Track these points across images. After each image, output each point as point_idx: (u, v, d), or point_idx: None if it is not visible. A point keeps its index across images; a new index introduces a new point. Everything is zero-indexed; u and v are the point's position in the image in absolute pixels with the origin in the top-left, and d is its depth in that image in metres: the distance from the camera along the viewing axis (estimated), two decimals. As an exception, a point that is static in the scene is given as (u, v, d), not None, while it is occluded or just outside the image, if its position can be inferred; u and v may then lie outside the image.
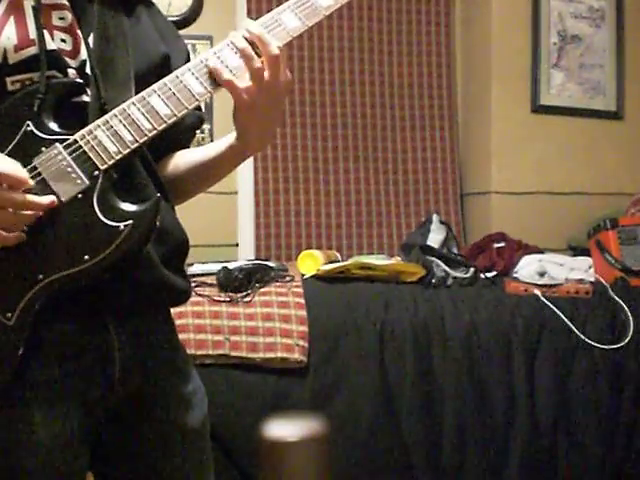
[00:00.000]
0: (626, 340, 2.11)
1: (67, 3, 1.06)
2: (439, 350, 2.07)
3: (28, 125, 0.99)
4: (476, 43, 3.17)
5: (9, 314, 0.97)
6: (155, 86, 1.02)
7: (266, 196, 3.00)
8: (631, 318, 2.13)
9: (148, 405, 1.12)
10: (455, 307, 2.13)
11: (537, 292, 2.19)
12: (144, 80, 1.05)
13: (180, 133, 1.21)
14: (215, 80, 1.03)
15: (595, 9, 3.19)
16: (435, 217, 2.54)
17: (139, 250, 1.01)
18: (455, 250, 2.49)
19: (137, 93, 1.03)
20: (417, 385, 2.04)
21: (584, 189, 3.16)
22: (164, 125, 1.01)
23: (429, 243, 2.41)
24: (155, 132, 1.01)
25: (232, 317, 1.99)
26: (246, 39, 1.03)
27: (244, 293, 2.05)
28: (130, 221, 0.98)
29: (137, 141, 1.00)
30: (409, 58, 3.16)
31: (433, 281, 2.21)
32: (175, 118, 1.01)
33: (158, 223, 1.00)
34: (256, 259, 2.58)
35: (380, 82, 3.14)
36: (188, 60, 1.10)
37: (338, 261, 2.43)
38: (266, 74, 1.01)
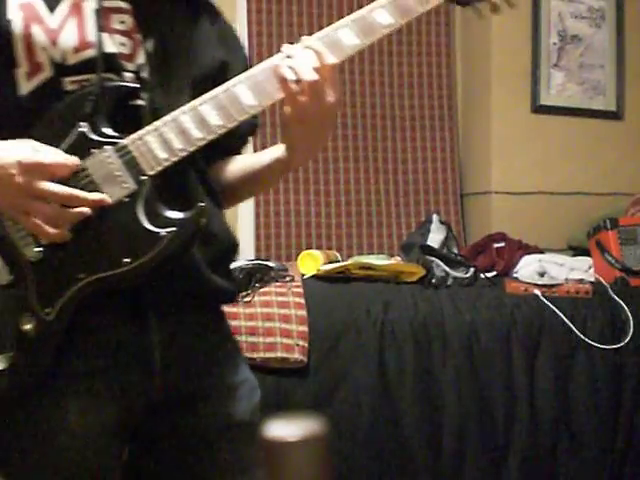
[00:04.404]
0: (626, 340, 2.11)
1: (129, 7, 1.07)
2: (439, 350, 2.07)
3: (81, 126, 1.00)
4: (476, 43, 3.17)
5: (49, 309, 0.99)
6: (207, 96, 1.02)
7: (266, 196, 2.99)
8: (631, 318, 2.13)
9: (191, 399, 1.13)
10: (455, 307, 2.13)
11: (537, 292, 2.19)
12: (201, 86, 1.06)
13: (233, 140, 1.21)
14: (266, 93, 1.03)
15: (595, 9, 3.19)
16: (435, 217, 2.54)
17: (180, 256, 1.02)
18: (455, 250, 2.49)
19: (193, 99, 1.03)
20: (417, 385, 2.04)
21: (584, 189, 3.16)
22: (213, 136, 1.02)
23: (429, 243, 2.41)
24: (204, 142, 1.01)
25: (232, 317, 1.99)
26: (300, 54, 1.02)
27: (244, 293, 2.05)
28: (172, 228, 0.99)
29: (186, 150, 1.01)
30: (409, 58, 3.15)
31: (433, 281, 2.21)
32: (225, 129, 1.02)
33: (202, 229, 1.01)
34: (256, 259, 2.58)
35: (380, 82, 3.14)
36: (246, 67, 1.09)
37: (338, 261, 2.43)
38: (319, 90, 1.01)
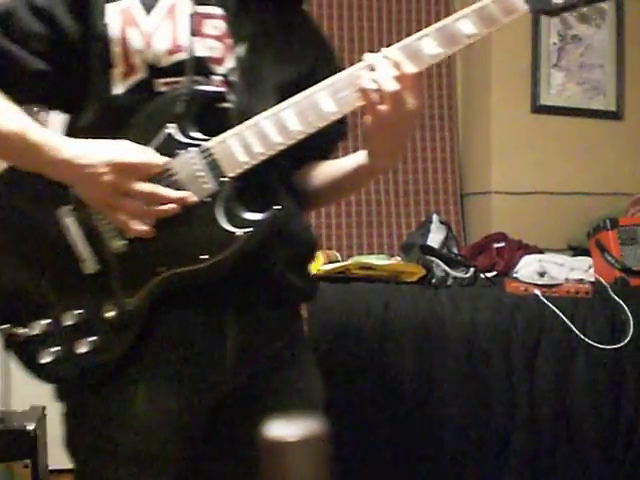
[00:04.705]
0: (626, 340, 2.11)
1: (222, 13, 1.11)
2: (439, 350, 2.06)
3: (169, 128, 1.05)
4: (476, 43, 3.16)
5: (130, 299, 1.05)
6: (289, 101, 1.06)
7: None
8: (631, 318, 2.13)
9: (258, 397, 1.15)
10: (455, 307, 2.13)
11: (537, 292, 2.19)
12: (288, 90, 1.09)
13: (322, 144, 1.24)
14: (346, 100, 1.05)
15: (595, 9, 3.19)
16: (435, 217, 2.54)
17: (255, 255, 1.05)
18: (455, 250, 2.48)
19: (279, 103, 1.06)
20: (417, 385, 2.04)
21: (584, 189, 3.16)
22: (293, 141, 1.05)
23: (429, 243, 2.40)
24: (284, 147, 1.05)
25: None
26: (381, 63, 1.04)
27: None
28: (248, 229, 1.03)
29: (265, 154, 1.05)
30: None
31: (433, 281, 2.21)
32: (304, 135, 1.05)
33: (276, 231, 1.06)
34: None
35: (380, 82, 3.14)
36: (336, 70, 1.10)
37: (338, 261, 2.43)
38: (399, 100, 1.02)
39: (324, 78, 1.07)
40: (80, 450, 1.12)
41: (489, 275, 2.35)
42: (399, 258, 2.53)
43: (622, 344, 2.10)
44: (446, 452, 2.03)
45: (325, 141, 1.23)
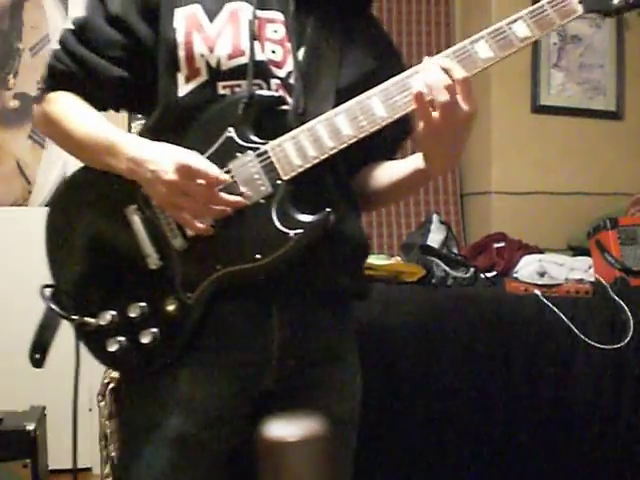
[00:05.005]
0: (626, 340, 2.11)
1: (282, 18, 1.16)
2: (439, 350, 2.06)
3: (230, 131, 1.10)
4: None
5: (189, 294, 1.11)
6: (343, 106, 1.09)
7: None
8: (631, 318, 2.13)
9: (300, 391, 1.19)
10: (455, 307, 2.13)
11: (537, 292, 2.18)
12: (348, 93, 1.12)
13: (382, 144, 1.26)
14: (398, 106, 1.08)
15: (595, 9, 3.19)
16: (435, 217, 2.54)
17: (306, 255, 1.09)
18: (455, 250, 2.48)
19: (337, 106, 1.10)
20: (417, 385, 2.03)
21: (584, 189, 3.16)
22: (344, 145, 1.08)
23: (429, 243, 2.40)
24: (335, 150, 1.08)
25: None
26: (433, 71, 1.05)
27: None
28: (300, 230, 1.08)
29: (318, 157, 1.09)
30: (409, 58, 3.15)
31: (433, 281, 2.21)
32: (355, 139, 1.08)
33: (327, 233, 1.09)
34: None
35: (380, 82, 3.14)
36: (399, 73, 1.12)
37: (338, 261, 2.43)
38: (451, 107, 1.04)
39: (387, 79, 1.10)
40: (128, 427, 1.22)
41: (489, 275, 2.35)
42: (399, 258, 2.53)
43: (622, 344, 2.10)
44: (446, 452, 2.03)
45: (390, 141, 1.27)
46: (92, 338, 1.17)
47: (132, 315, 1.13)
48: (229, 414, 1.15)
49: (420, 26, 3.14)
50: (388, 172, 1.28)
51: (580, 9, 1.06)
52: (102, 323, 1.14)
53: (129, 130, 2.72)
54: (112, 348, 1.13)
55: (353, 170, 1.27)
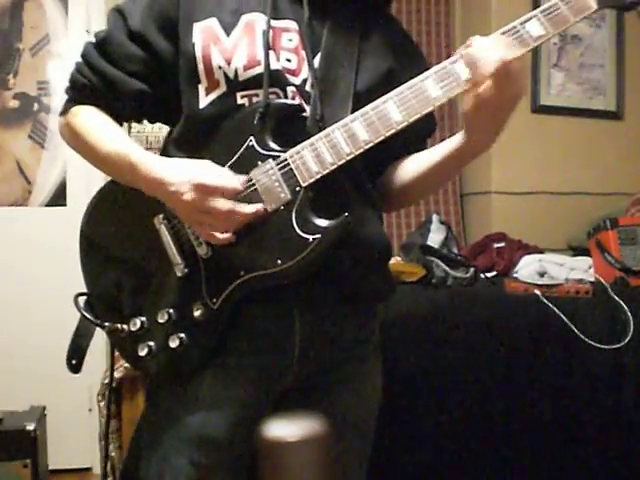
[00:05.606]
0: (626, 340, 2.11)
1: (296, 27, 1.18)
2: (439, 350, 2.06)
3: (250, 140, 1.13)
4: (476, 43, 3.16)
5: (214, 300, 1.15)
6: (360, 112, 1.10)
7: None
8: (631, 318, 2.13)
9: (319, 392, 1.22)
10: (455, 307, 2.13)
11: (537, 292, 2.18)
12: (367, 96, 1.13)
13: (406, 143, 1.27)
14: (413, 109, 1.08)
15: (595, 9, 3.18)
16: (435, 217, 2.54)
17: (325, 259, 1.11)
18: (455, 250, 2.48)
19: (355, 111, 1.11)
20: (417, 385, 2.03)
21: (584, 189, 3.16)
22: (361, 150, 1.10)
23: (429, 243, 2.40)
24: (352, 156, 1.10)
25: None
26: (484, 46, 1.05)
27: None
28: (318, 235, 1.10)
29: (335, 163, 1.10)
30: (409, 58, 3.15)
31: (433, 281, 2.21)
32: (372, 144, 1.09)
33: (344, 237, 1.11)
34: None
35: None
36: (422, 72, 1.11)
37: (338, 261, 2.42)
38: (500, 83, 1.03)
39: (409, 80, 1.10)
40: (151, 427, 1.24)
41: (489, 275, 2.35)
42: (399, 258, 2.53)
43: (622, 344, 2.10)
44: (445, 452, 2.03)
45: (414, 139, 1.28)
46: (124, 343, 1.21)
47: (161, 321, 1.17)
48: (251, 416, 1.17)
49: (420, 26, 3.14)
50: (415, 165, 1.28)
51: (594, 5, 1.05)
52: (133, 329, 1.18)
53: (129, 130, 2.72)
54: (142, 352, 1.17)
55: (379, 170, 1.29)
